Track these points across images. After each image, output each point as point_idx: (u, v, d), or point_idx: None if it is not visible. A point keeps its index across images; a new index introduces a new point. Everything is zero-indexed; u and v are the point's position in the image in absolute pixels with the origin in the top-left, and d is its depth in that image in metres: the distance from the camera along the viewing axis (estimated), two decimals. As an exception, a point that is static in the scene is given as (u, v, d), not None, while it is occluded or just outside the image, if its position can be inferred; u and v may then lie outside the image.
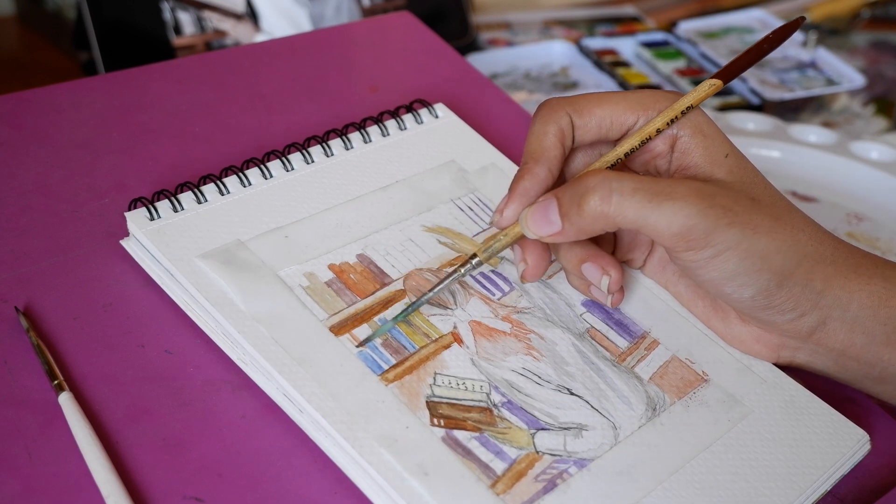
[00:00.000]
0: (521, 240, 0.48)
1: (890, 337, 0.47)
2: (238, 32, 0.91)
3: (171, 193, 0.49)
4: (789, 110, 0.98)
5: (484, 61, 1.01)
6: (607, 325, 0.50)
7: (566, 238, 0.46)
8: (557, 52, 1.06)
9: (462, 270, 0.47)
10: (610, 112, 0.48)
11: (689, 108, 0.48)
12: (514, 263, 0.49)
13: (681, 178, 0.48)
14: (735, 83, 1.00)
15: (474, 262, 0.47)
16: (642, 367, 0.48)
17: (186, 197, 0.49)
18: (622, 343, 0.49)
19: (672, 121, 0.48)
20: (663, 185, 0.45)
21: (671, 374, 0.48)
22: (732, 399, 0.48)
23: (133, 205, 0.49)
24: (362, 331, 0.46)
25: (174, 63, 0.68)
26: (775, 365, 0.50)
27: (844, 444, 0.47)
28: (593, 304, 0.51)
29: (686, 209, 0.44)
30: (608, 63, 1.04)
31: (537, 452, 0.43)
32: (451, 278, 0.47)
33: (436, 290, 0.47)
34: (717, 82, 0.49)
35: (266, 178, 0.52)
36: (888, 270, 0.47)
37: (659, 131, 0.48)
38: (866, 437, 0.48)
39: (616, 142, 0.49)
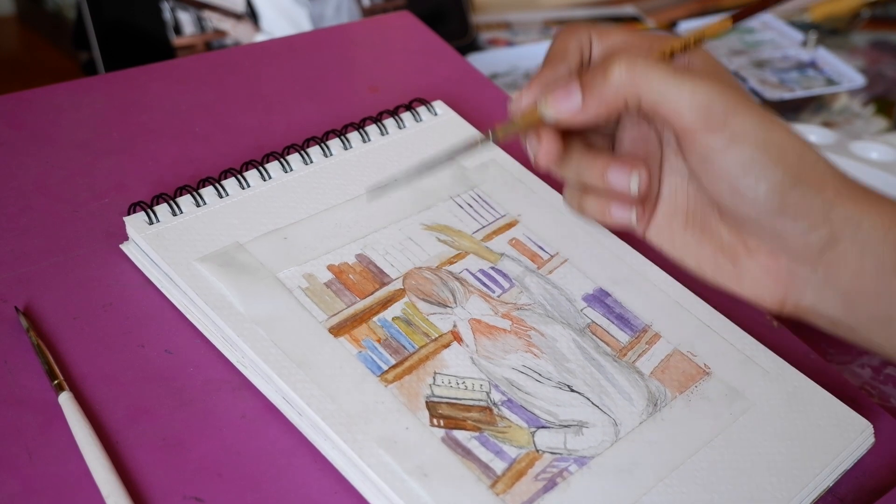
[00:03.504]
0: (536, 127, 0.47)
1: None
2: (238, 32, 0.91)
3: (170, 197, 0.49)
4: (789, 110, 0.98)
5: (484, 61, 1.01)
6: (608, 319, 0.50)
7: (586, 114, 0.46)
8: (557, 52, 1.06)
9: (477, 141, 0.46)
10: (624, 39, 0.50)
11: (703, 38, 0.48)
12: (529, 150, 0.48)
13: None
14: (735, 83, 1.00)
15: (490, 135, 0.46)
16: (643, 362, 0.48)
17: (185, 200, 0.49)
18: (623, 338, 0.49)
19: (685, 47, 0.48)
20: (683, 67, 0.46)
21: (673, 367, 0.48)
22: (734, 392, 0.48)
23: (132, 209, 0.49)
24: (361, 330, 0.46)
25: (174, 63, 0.68)
26: (783, 309, 0.48)
27: (848, 435, 0.47)
28: (594, 299, 0.51)
29: (707, 86, 0.45)
30: (608, 63, 1.03)
31: (537, 451, 0.43)
32: (466, 148, 0.46)
33: (452, 154, 0.46)
34: (729, 21, 0.49)
35: (265, 180, 0.52)
36: (894, 201, 0.47)
37: (673, 53, 0.48)
38: (870, 427, 0.48)
39: None
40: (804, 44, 1.08)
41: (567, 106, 0.46)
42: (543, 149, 0.48)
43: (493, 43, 1.08)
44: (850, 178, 0.47)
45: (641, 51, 0.49)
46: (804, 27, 1.12)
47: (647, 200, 0.50)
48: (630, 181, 0.48)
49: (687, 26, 1.11)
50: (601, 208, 0.49)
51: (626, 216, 0.49)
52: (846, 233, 0.46)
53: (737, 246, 0.49)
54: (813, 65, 1.05)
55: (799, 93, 0.99)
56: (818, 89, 1.00)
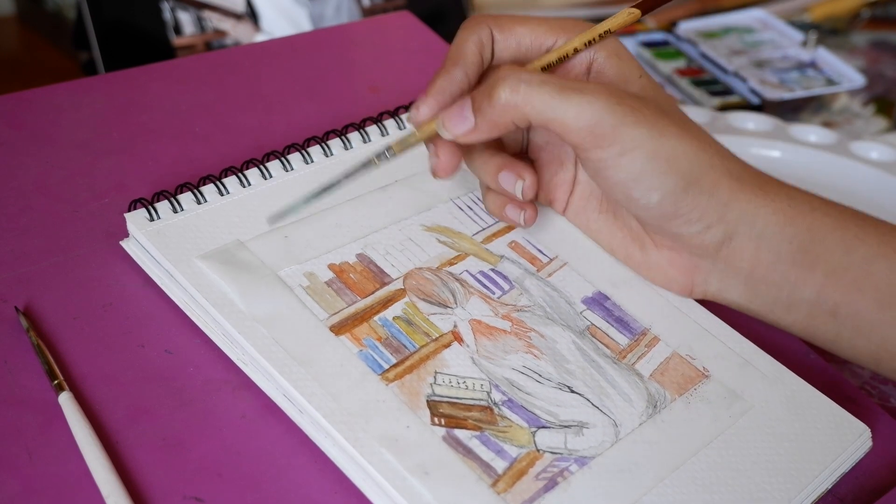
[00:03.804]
0: (435, 138, 0.48)
1: (795, 256, 0.48)
2: (238, 32, 0.91)
3: (171, 194, 0.49)
4: (789, 110, 0.98)
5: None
6: (607, 322, 0.50)
7: (479, 134, 0.47)
8: (557, 52, 1.06)
9: (376, 160, 0.47)
10: (530, 31, 0.50)
11: (608, 32, 0.49)
12: (429, 160, 0.49)
13: (592, 82, 0.49)
14: (735, 83, 1.00)
15: (388, 152, 0.48)
16: (643, 364, 0.48)
17: (186, 198, 0.49)
18: (622, 340, 0.49)
19: (589, 42, 0.49)
20: (572, 82, 0.46)
21: (672, 370, 0.48)
22: (733, 395, 0.48)
23: (133, 206, 0.49)
24: (362, 329, 0.46)
25: (174, 63, 0.68)
26: (691, 296, 0.51)
27: (846, 438, 0.47)
28: (593, 302, 0.51)
29: (594, 103, 0.45)
30: (608, 63, 1.03)
31: (538, 451, 0.43)
32: (364, 165, 0.47)
33: (350, 174, 0.47)
34: (636, 11, 0.50)
35: (265, 179, 0.52)
36: (793, 191, 0.49)
37: (576, 51, 0.49)
38: (868, 431, 0.48)
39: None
40: (804, 44, 1.08)
41: (462, 128, 0.47)
42: (442, 163, 0.49)
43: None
44: (747, 171, 0.48)
45: (543, 47, 0.50)
46: (804, 27, 1.12)
47: (561, 186, 0.52)
48: (515, 186, 0.49)
49: (686, 26, 1.11)
50: (499, 206, 0.51)
51: (518, 216, 0.50)
52: (741, 229, 0.48)
53: (644, 237, 0.51)
54: (813, 65, 1.05)
55: (799, 93, 0.99)
56: (818, 89, 1.00)
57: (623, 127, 0.45)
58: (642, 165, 0.46)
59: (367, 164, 0.47)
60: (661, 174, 0.46)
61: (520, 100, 0.45)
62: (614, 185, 0.47)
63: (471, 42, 0.49)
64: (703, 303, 0.52)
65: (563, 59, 0.49)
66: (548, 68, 0.49)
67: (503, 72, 0.46)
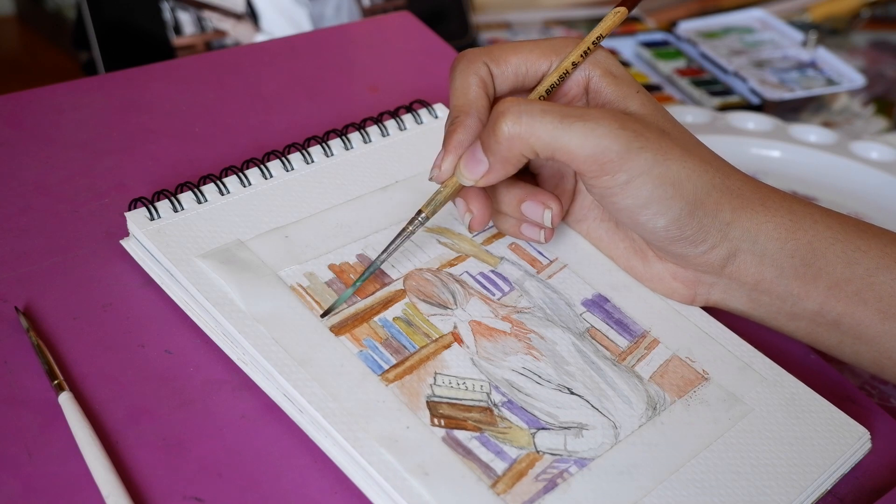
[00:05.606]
0: (462, 191, 0.49)
1: (798, 270, 0.48)
2: (238, 32, 0.91)
3: (171, 193, 0.49)
4: (789, 110, 0.98)
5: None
6: (607, 324, 0.50)
7: (495, 174, 0.47)
8: (557, 52, 1.06)
9: (411, 228, 0.48)
10: (525, 59, 0.50)
11: (600, 37, 0.49)
12: (460, 217, 0.50)
13: (593, 107, 0.49)
14: (735, 83, 1.00)
15: (421, 217, 0.48)
16: (642, 367, 0.48)
17: (186, 197, 0.49)
18: (622, 342, 0.49)
19: (586, 52, 0.49)
20: (574, 109, 0.46)
21: (671, 373, 0.48)
22: (733, 398, 0.48)
23: (133, 205, 0.49)
24: (362, 330, 0.46)
25: (174, 63, 0.68)
26: (693, 304, 0.51)
27: (845, 441, 0.47)
28: (593, 304, 0.51)
29: (598, 129, 0.45)
30: (608, 63, 1.03)
31: (538, 452, 0.43)
32: (402, 237, 0.48)
33: (390, 249, 0.48)
34: (622, 10, 0.50)
35: (266, 178, 0.52)
36: (795, 204, 0.49)
37: (575, 65, 0.49)
38: (867, 434, 0.48)
39: (533, 89, 0.50)
40: (804, 44, 1.08)
41: (478, 170, 0.47)
42: (476, 219, 0.50)
43: (493, 43, 1.08)
44: (748, 186, 0.49)
45: (539, 72, 0.50)
46: (804, 27, 1.12)
47: (561, 196, 0.52)
48: (543, 215, 0.50)
49: (686, 26, 1.11)
50: (513, 226, 0.52)
51: (538, 235, 0.51)
52: (744, 247, 0.48)
53: (647, 249, 0.51)
54: (813, 65, 1.05)
55: (799, 93, 0.99)
56: (818, 89, 1.00)
57: (629, 154, 0.45)
58: (650, 192, 0.46)
59: (402, 234, 0.48)
60: (668, 199, 0.46)
61: (523, 130, 0.45)
62: (621, 211, 0.47)
63: (473, 85, 0.48)
64: (704, 306, 0.52)
65: (565, 77, 0.49)
66: (552, 90, 0.49)
67: (503, 105, 0.46)
